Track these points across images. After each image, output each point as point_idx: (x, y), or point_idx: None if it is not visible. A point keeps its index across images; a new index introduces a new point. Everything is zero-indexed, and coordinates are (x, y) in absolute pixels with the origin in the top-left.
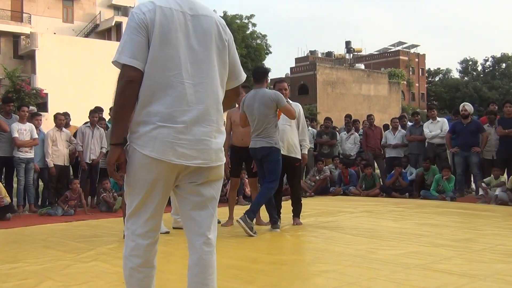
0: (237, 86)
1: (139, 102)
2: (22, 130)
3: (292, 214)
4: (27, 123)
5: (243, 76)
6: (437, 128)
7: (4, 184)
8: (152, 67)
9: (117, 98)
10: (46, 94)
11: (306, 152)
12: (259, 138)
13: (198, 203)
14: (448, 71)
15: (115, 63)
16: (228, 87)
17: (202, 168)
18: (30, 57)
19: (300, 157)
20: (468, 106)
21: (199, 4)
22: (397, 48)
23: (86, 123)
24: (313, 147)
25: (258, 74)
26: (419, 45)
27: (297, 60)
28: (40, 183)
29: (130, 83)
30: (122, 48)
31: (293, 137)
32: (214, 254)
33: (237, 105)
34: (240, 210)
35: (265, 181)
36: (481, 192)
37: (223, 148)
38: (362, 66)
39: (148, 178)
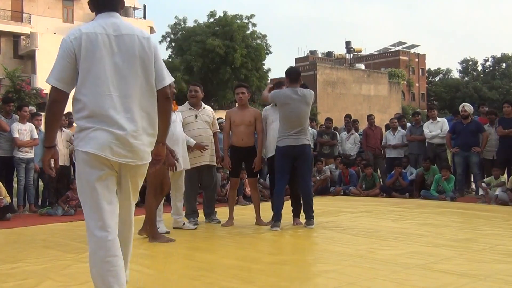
0: (161, 88)
1: (78, 115)
2: (23, 130)
3: (292, 214)
4: (27, 123)
5: (167, 80)
6: (437, 128)
7: (4, 184)
8: (84, 85)
9: (46, 111)
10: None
11: None
12: (297, 136)
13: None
14: (448, 71)
15: (48, 83)
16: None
17: (131, 166)
18: (30, 57)
19: None
20: (467, 107)
21: (123, 25)
22: (397, 48)
23: None
24: (312, 147)
25: (292, 74)
26: (419, 45)
27: (297, 60)
28: (40, 183)
29: (54, 101)
30: (51, 72)
31: None
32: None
33: (236, 105)
34: (240, 210)
35: (303, 181)
36: (481, 192)
37: (149, 150)
38: (362, 66)
39: (91, 173)
